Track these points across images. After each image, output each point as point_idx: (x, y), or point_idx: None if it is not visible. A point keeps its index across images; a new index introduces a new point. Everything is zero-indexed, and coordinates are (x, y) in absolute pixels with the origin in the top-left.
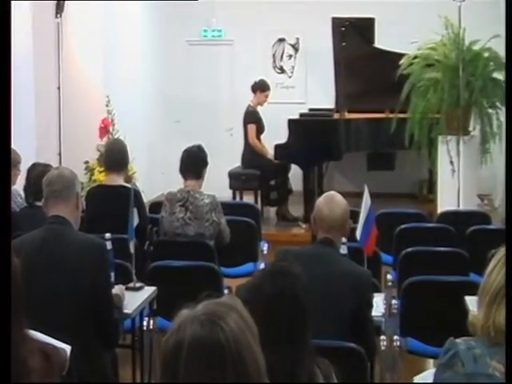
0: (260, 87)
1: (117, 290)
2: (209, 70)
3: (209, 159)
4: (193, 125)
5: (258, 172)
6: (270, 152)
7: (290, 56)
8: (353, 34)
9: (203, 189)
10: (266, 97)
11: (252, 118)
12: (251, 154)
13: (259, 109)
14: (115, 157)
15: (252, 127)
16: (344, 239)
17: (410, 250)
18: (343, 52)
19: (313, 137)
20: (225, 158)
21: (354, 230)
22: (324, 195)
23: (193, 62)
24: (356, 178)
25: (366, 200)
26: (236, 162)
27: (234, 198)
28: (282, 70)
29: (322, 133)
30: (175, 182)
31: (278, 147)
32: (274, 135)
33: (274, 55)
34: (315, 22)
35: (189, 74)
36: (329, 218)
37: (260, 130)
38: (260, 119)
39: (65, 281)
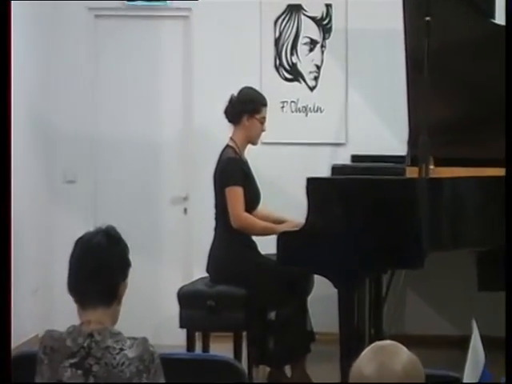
0: (248, 104)
1: None
2: (138, 73)
3: (133, 260)
4: (102, 188)
5: (243, 291)
6: None
7: (313, 44)
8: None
9: (122, 327)
10: (262, 122)
11: (235, 173)
12: (231, 251)
13: (250, 152)
14: None
15: (236, 193)
16: None
17: None
18: (426, 37)
19: (360, 216)
20: (171, 261)
21: None
22: (374, 344)
23: (104, 55)
24: (453, 306)
25: (475, 353)
26: (196, 270)
27: (191, 347)
28: (296, 74)
29: (379, 208)
30: (63, 311)
31: (285, 238)
32: (278, 211)
33: (277, 42)
34: None
35: (95, 81)
36: None
37: (252, 199)
38: (250, 176)
39: None
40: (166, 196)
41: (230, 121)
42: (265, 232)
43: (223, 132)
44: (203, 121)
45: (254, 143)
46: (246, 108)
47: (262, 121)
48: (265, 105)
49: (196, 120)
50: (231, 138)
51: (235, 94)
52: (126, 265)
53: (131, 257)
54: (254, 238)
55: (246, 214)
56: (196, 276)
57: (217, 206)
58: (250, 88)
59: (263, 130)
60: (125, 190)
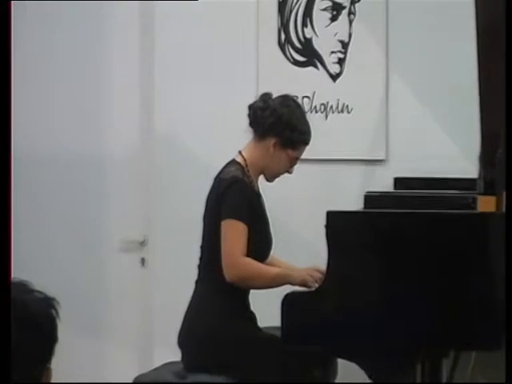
0: (284, 131)
1: None
2: (74, 63)
3: (65, 336)
4: (19, 228)
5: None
6: None
7: (336, 10)
8: None
9: None
10: (293, 164)
11: (240, 201)
12: (218, 320)
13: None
14: None
15: (236, 229)
16: None
17: None
18: (507, 5)
19: (407, 270)
20: (122, 337)
21: None
22: None
23: (26, 40)
24: None
25: None
26: (159, 351)
27: None
28: (310, 56)
29: (437, 258)
30: None
31: (294, 302)
32: (287, 258)
33: (282, 6)
34: None
35: (13, 76)
36: None
37: (260, 246)
38: (261, 214)
39: None
40: (115, 239)
41: (250, 125)
42: (275, 282)
43: (202, 145)
44: (169, 129)
45: (269, 180)
46: (279, 132)
47: (294, 162)
48: (307, 143)
49: (159, 128)
50: (241, 154)
51: (272, 94)
52: (49, 341)
53: (61, 331)
54: (253, 305)
55: (246, 260)
56: (159, 360)
57: (204, 248)
58: (299, 106)
59: (289, 172)
60: (53, 230)
